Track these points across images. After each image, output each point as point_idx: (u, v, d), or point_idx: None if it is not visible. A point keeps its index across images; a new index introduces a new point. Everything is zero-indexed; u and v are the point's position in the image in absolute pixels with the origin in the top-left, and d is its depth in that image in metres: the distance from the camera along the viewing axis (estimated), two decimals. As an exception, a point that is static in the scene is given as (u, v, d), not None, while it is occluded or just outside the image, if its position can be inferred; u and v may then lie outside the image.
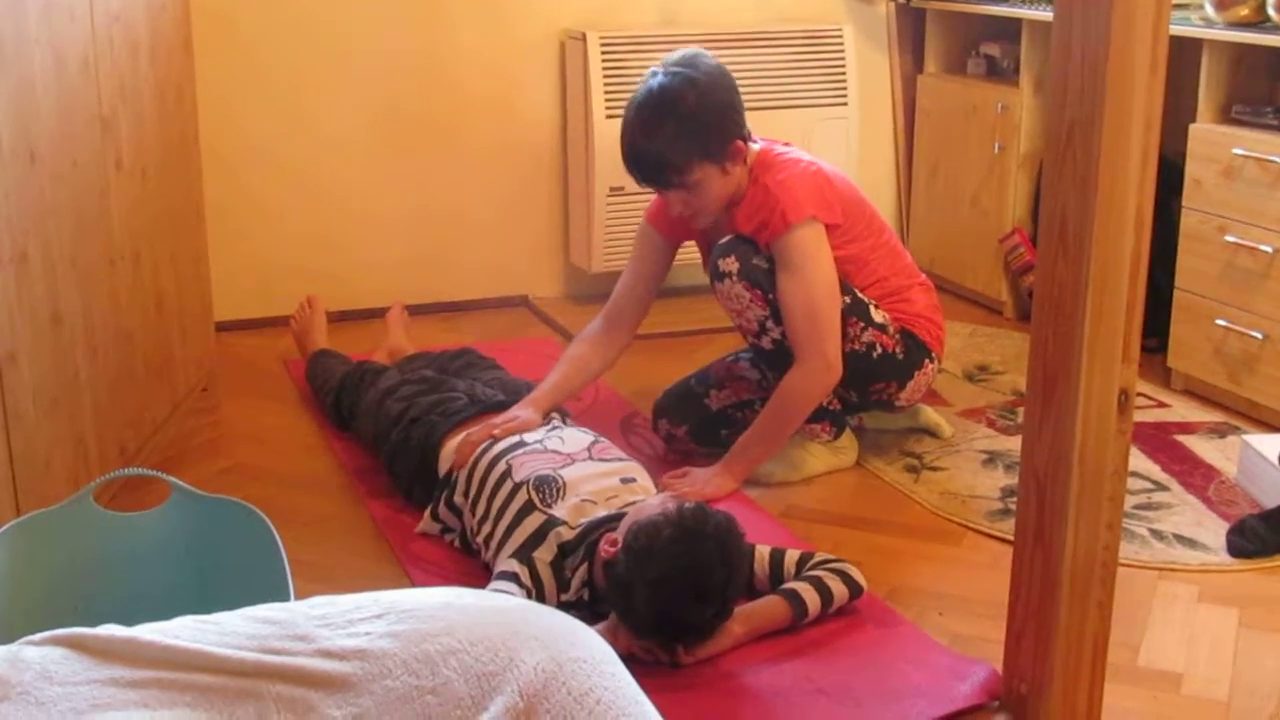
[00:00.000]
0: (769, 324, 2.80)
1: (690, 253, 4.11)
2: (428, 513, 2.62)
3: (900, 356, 2.88)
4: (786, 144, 2.94)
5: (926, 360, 2.93)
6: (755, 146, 2.89)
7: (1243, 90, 3.26)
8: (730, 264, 2.79)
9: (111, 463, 2.63)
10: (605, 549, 2.20)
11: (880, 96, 4.41)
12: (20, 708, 1.19)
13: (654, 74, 2.80)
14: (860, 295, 2.85)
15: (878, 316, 2.86)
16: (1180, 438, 3.13)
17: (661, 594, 2.08)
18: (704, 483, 2.78)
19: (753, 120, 3.99)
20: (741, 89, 3.97)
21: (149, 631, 1.30)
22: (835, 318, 2.76)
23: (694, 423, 3.02)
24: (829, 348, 2.75)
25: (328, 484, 2.91)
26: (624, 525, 2.21)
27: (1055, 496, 1.89)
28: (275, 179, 3.90)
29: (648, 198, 3.99)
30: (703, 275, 4.20)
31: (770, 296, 2.78)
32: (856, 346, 2.82)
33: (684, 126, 2.73)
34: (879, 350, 2.85)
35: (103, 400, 2.61)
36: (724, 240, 2.84)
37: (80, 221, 2.51)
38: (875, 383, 2.89)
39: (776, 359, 2.85)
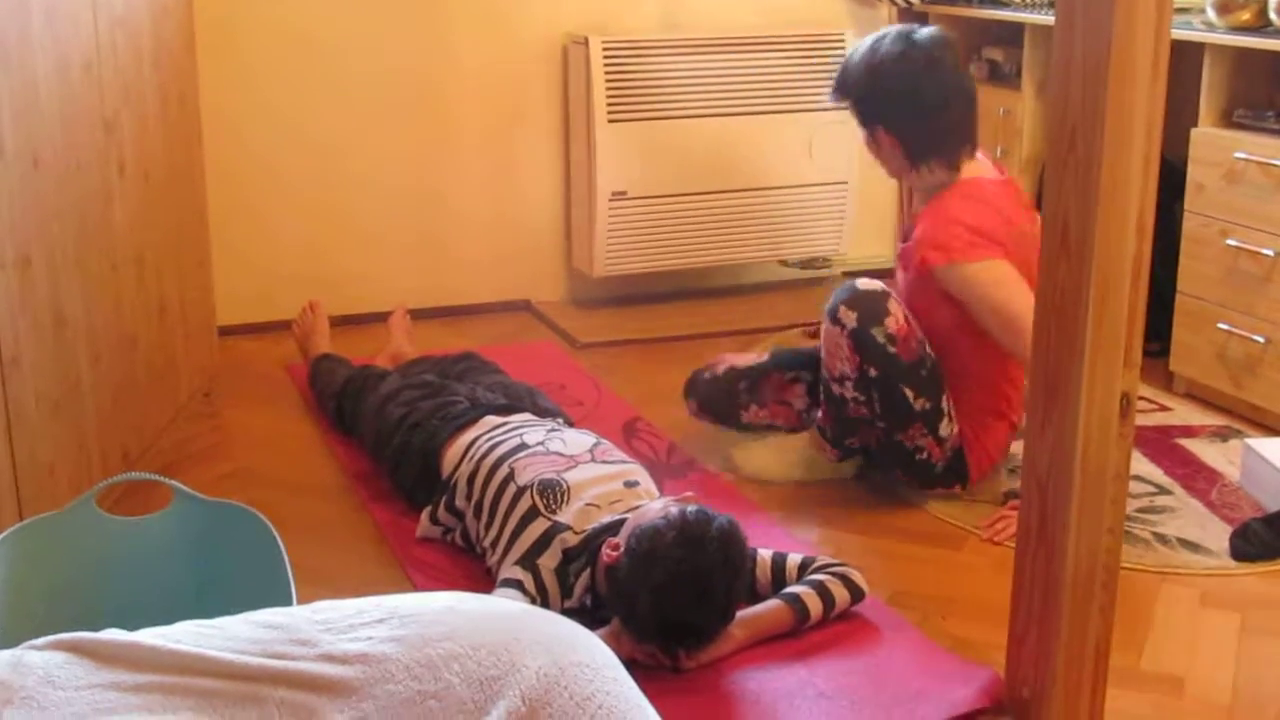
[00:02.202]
0: (848, 384, 2.73)
1: (699, 257, 4.12)
2: (425, 517, 2.62)
3: (938, 471, 2.80)
4: (1006, 179, 2.86)
5: (957, 484, 2.83)
6: (977, 161, 2.82)
7: (1244, 94, 3.26)
8: (849, 317, 2.69)
9: (114, 467, 2.64)
10: (607, 554, 2.20)
11: (882, 100, 4.40)
12: (23, 712, 1.19)
13: (916, 32, 2.80)
14: (944, 404, 2.74)
15: (944, 430, 2.75)
16: (1182, 441, 3.13)
17: (664, 598, 2.08)
18: None
19: (755, 124, 4.06)
20: (743, 94, 4.04)
21: (151, 636, 1.30)
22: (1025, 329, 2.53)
23: (720, 421, 3.04)
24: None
25: (330, 488, 2.91)
26: (625, 529, 2.21)
27: (1057, 500, 1.89)
28: (277, 184, 3.90)
29: (650, 201, 4.02)
30: (710, 280, 4.23)
31: (866, 367, 2.69)
32: (908, 443, 2.75)
33: (878, 80, 2.77)
34: (924, 455, 2.77)
35: (105, 404, 2.61)
36: (855, 284, 2.73)
37: (83, 225, 2.52)
38: (902, 473, 2.84)
39: (835, 408, 2.80)
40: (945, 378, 2.76)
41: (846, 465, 2.94)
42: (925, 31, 2.82)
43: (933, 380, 2.73)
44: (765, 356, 3.08)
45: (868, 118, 2.83)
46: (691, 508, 2.17)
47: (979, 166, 2.83)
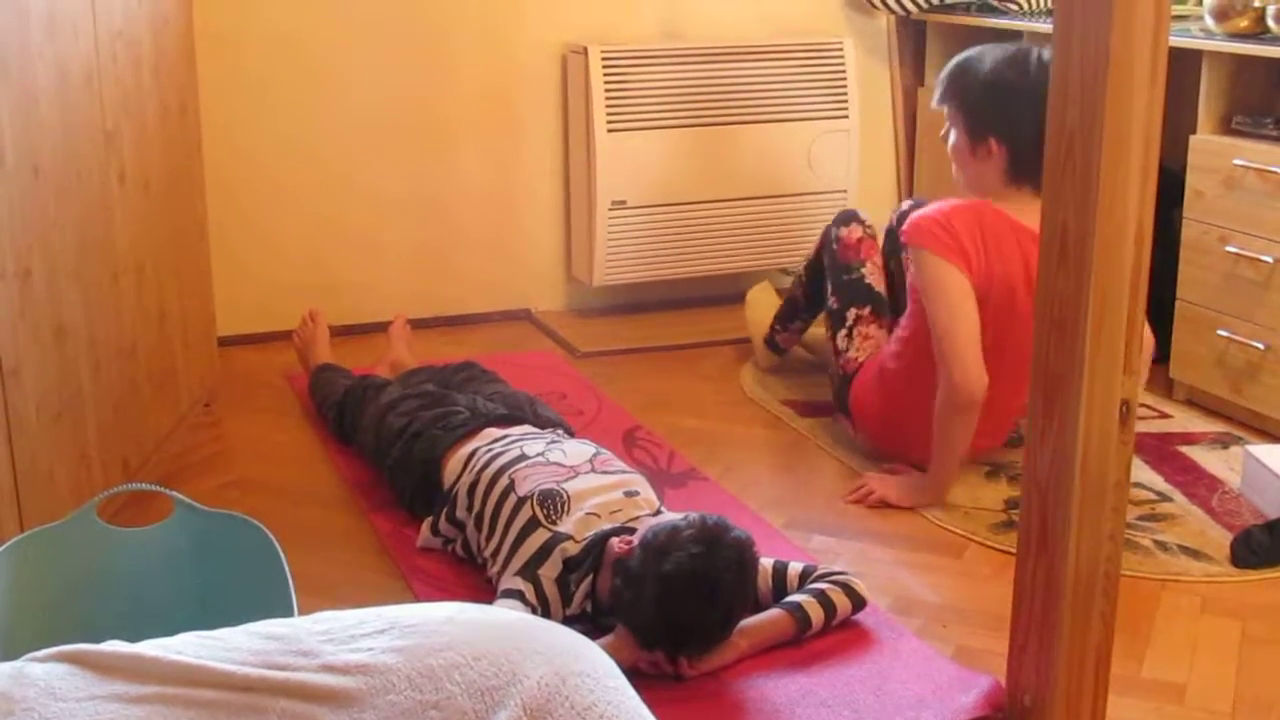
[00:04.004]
0: (805, 267, 3.41)
1: (699, 266, 4.12)
2: (426, 528, 2.62)
3: (837, 387, 3.07)
4: (1023, 226, 2.77)
5: (847, 419, 3.05)
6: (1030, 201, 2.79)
7: (1243, 101, 3.26)
8: (832, 223, 3.31)
9: (115, 477, 2.64)
10: (619, 546, 2.21)
11: (881, 109, 4.41)
12: (24, 723, 1.19)
13: (1031, 50, 2.84)
14: (848, 315, 3.09)
15: (841, 341, 3.07)
16: (1183, 448, 3.13)
17: (671, 591, 2.09)
18: (892, 486, 2.86)
19: (754, 133, 4.06)
20: (742, 102, 4.05)
21: (152, 647, 1.30)
22: (954, 345, 2.69)
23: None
24: (952, 370, 2.68)
25: (330, 498, 2.91)
26: (641, 529, 2.24)
27: (1058, 508, 1.89)
28: (277, 193, 3.90)
29: (650, 210, 4.03)
30: (710, 289, 4.23)
31: (821, 254, 3.28)
32: (829, 343, 3.10)
33: (968, 81, 2.86)
34: (833, 367, 3.10)
35: (106, 415, 2.62)
36: (855, 211, 3.33)
37: (83, 236, 2.52)
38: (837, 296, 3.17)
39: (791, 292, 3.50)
40: (863, 300, 3.11)
41: (765, 355, 3.56)
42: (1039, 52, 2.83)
43: (848, 289, 3.14)
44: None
45: (981, 125, 2.82)
46: (712, 516, 2.20)
47: (1021, 207, 2.80)
